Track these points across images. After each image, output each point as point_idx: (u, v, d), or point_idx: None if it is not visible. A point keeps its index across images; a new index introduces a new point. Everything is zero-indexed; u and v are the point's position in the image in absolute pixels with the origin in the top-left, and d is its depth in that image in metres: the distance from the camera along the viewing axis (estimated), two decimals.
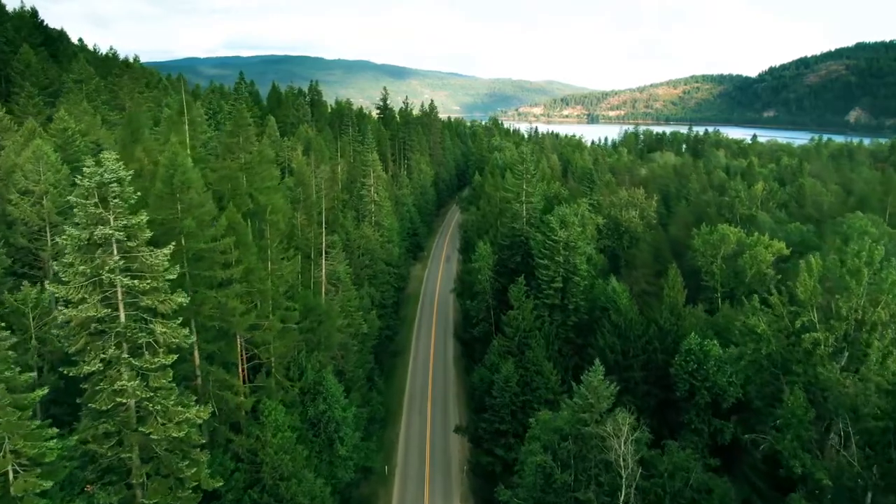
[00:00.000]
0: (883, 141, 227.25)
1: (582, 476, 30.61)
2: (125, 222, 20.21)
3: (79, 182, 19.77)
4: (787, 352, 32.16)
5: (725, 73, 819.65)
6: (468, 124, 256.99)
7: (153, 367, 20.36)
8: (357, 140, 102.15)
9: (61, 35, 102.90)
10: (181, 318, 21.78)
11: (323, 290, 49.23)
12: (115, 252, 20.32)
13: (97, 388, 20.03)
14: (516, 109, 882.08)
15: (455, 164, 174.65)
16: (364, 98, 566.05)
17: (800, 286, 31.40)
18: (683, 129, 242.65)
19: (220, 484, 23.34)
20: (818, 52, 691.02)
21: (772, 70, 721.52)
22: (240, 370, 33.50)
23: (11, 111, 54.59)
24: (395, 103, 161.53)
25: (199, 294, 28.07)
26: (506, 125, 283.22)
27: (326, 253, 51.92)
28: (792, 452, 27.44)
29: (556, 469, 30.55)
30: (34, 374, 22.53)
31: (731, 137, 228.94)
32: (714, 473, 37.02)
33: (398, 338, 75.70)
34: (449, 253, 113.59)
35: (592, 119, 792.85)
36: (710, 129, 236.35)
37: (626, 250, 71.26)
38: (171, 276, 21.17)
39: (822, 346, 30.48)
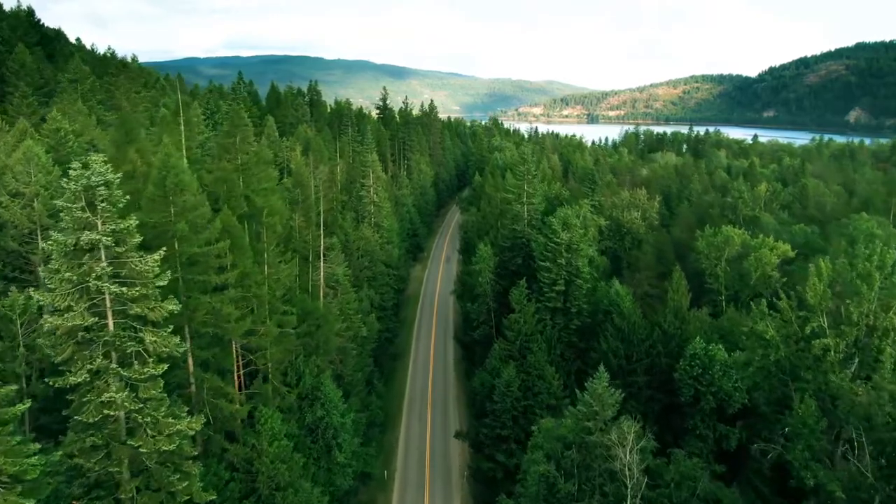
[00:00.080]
0: (884, 141, 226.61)
1: (586, 486, 29.85)
2: (113, 227, 19.42)
3: (65, 185, 18.99)
4: (795, 358, 31.37)
5: (725, 73, 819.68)
6: (468, 124, 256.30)
7: (142, 377, 19.57)
8: (356, 140, 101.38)
9: (58, 35, 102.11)
10: (172, 326, 20.96)
11: (321, 293, 48.45)
12: (103, 258, 19.53)
13: (84, 399, 19.24)
14: (516, 109, 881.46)
15: (455, 164, 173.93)
16: (364, 98, 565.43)
17: (809, 291, 30.62)
18: (683, 129, 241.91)
19: (214, 497, 22.57)
20: (818, 52, 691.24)
21: (772, 70, 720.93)
22: (235, 377, 32.70)
23: (5, 111, 53.85)
24: (395, 103, 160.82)
25: (192, 299, 27.30)
26: (506, 125, 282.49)
27: (325, 255, 51.12)
28: (803, 463, 26.67)
29: (559, 479, 29.79)
30: (19, 384, 21.82)
31: (731, 137, 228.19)
32: (720, 481, 36.37)
33: (398, 340, 74.98)
34: (449, 254, 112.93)
35: (592, 119, 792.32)
36: (711, 129, 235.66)
37: (628, 252, 70.47)
38: (162, 283, 20.39)
39: (833, 353, 29.71)
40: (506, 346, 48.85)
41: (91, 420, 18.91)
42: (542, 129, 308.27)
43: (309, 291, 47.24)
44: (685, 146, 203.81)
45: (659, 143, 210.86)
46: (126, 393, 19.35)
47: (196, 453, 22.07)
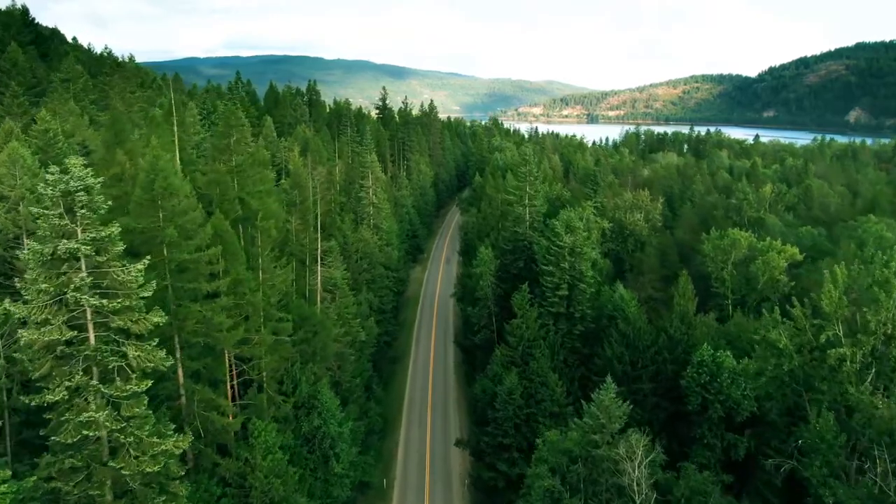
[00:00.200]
0: (885, 141, 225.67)
1: (592, 501, 28.70)
2: (94, 235, 18.25)
3: (41, 190, 17.83)
4: (810, 368, 30.21)
5: (725, 73, 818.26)
6: (468, 124, 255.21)
7: (125, 394, 18.40)
8: (355, 141, 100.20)
9: (54, 34, 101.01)
10: (158, 339, 19.79)
11: (318, 297, 47.27)
12: (83, 268, 18.36)
13: (62, 418, 18.07)
14: (516, 109, 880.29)
15: (455, 164, 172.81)
16: (364, 98, 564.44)
17: (824, 298, 29.45)
18: (684, 130, 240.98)
19: None
20: (818, 52, 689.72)
21: (772, 70, 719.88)
22: (228, 387, 31.53)
23: None
24: (395, 103, 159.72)
25: (182, 308, 26.14)
26: (505, 125, 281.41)
27: (322, 258, 49.94)
28: (821, 480, 25.52)
29: (564, 494, 28.63)
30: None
31: (732, 137, 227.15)
32: (729, 491, 35.26)
33: (397, 343, 73.93)
34: (449, 255, 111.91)
35: (592, 119, 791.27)
36: (711, 129, 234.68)
37: (631, 254, 69.31)
38: (146, 294, 19.22)
39: (849, 363, 28.56)
40: (508, 352, 47.67)
41: (69, 441, 17.75)
42: (542, 129, 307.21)
43: (306, 296, 46.08)
44: (686, 146, 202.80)
45: (660, 143, 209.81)
46: (107, 411, 18.18)
47: (183, 473, 20.90)
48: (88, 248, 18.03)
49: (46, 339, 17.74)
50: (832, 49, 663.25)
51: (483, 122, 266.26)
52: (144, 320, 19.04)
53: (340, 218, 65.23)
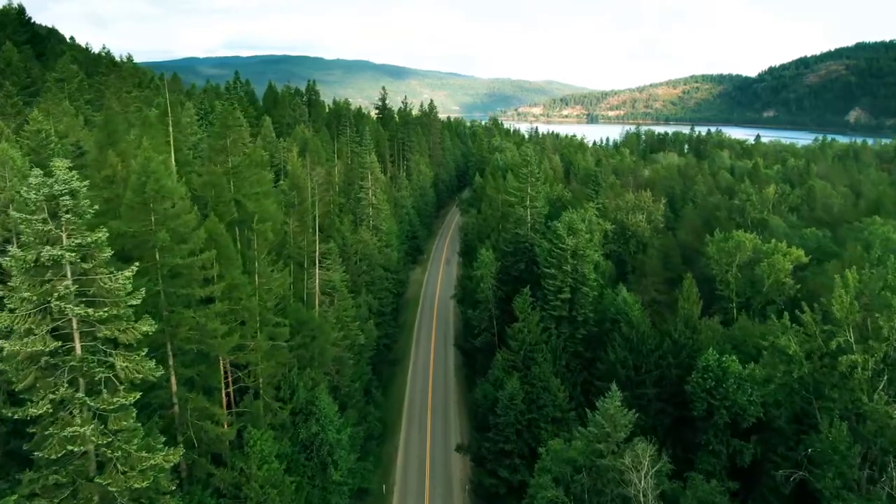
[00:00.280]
0: (886, 141, 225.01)
1: None
2: (80, 241, 17.46)
3: (24, 195, 17.05)
4: (820, 375, 29.42)
5: (725, 73, 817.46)
6: (468, 124, 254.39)
7: (112, 407, 17.62)
8: (355, 141, 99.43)
9: (51, 33, 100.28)
10: (147, 348, 19.01)
11: (316, 301, 46.48)
12: (68, 275, 17.58)
13: (46, 433, 17.29)
14: (516, 109, 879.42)
15: (455, 164, 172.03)
16: (363, 98, 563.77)
17: (835, 303, 28.66)
18: (684, 130, 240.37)
19: None
20: (818, 52, 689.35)
21: (772, 70, 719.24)
22: (223, 394, 30.73)
23: None
24: (395, 103, 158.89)
25: (175, 314, 25.35)
26: (505, 125, 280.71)
27: (321, 261, 49.16)
28: (834, 493, 24.75)
29: None
30: None
31: (733, 138, 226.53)
32: (735, 501, 34.46)
33: (397, 345, 73.18)
34: (449, 256, 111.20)
35: (592, 119, 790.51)
36: (712, 129, 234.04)
37: (633, 255, 68.56)
38: (135, 302, 18.43)
39: (860, 370, 27.78)
40: (509, 357, 46.90)
41: (53, 456, 16.96)
42: (542, 129, 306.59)
43: (304, 300, 45.29)
44: (687, 146, 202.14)
45: (660, 143, 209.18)
46: (93, 425, 17.39)
47: (174, 487, 20.12)
48: (73, 254, 17.25)
49: (30, 349, 16.96)
50: (832, 49, 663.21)
51: (483, 122, 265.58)
52: (133, 329, 18.26)
53: (339, 219, 64.46)
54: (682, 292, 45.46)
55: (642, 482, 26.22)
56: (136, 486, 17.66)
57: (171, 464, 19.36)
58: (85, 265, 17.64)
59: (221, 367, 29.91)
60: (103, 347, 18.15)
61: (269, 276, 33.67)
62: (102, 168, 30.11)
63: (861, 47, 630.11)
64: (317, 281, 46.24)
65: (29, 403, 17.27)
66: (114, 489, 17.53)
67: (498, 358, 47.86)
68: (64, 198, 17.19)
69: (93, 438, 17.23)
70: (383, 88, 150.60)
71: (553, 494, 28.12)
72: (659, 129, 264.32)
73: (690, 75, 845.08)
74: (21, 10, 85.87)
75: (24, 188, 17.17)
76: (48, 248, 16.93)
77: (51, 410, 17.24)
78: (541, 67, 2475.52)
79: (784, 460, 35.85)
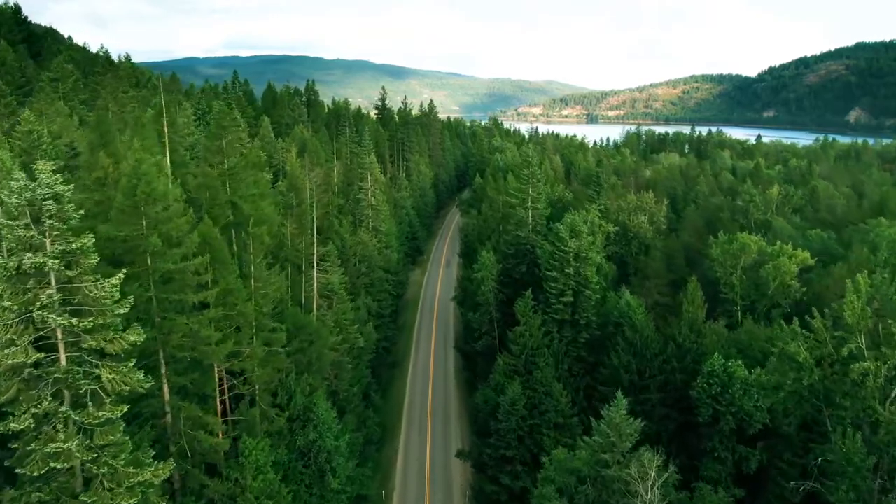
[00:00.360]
0: (887, 141, 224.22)
1: None
2: (64, 247, 16.68)
3: (5, 199, 16.26)
4: (831, 382, 28.65)
5: (725, 73, 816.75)
6: (468, 124, 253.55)
7: (98, 421, 16.84)
8: (354, 141, 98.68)
9: (48, 33, 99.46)
10: (135, 359, 18.22)
11: (315, 304, 45.68)
12: (52, 283, 16.80)
13: (29, 448, 16.51)
14: (515, 109, 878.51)
15: (455, 164, 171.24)
16: (363, 98, 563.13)
17: (847, 309, 27.88)
18: (684, 129, 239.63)
19: None
20: (818, 52, 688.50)
21: (771, 70, 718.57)
22: (218, 402, 29.94)
23: None
24: (394, 103, 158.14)
25: (167, 321, 24.56)
26: (505, 125, 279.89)
27: (319, 264, 48.34)
28: None
29: None
30: None
31: (733, 138, 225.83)
32: None
33: (396, 347, 72.43)
34: (449, 257, 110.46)
35: (592, 119, 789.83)
36: (712, 129, 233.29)
37: (635, 257, 67.81)
38: (123, 311, 17.65)
39: (873, 378, 27.02)
40: (510, 361, 46.10)
41: (36, 473, 16.18)
42: (542, 129, 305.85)
43: (301, 303, 44.49)
44: (687, 147, 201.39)
45: (661, 143, 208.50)
46: (78, 440, 16.61)
47: None
48: (57, 261, 16.46)
49: (12, 361, 16.18)
50: (832, 49, 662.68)
51: (483, 122, 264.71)
52: (120, 339, 17.47)
53: (338, 221, 63.66)
54: (687, 295, 44.69)
55: (648, 493, 25.47)
56: (124, 503, 16.88)
57: (161, 479, 18.58)
58: (70, 272, 16.86)
59: (216, 375, 29.13)
60: (89, 358, 17.37)
61: (266, 279, 32.89)
62: (94, 169, 29.32)
63: (861, 47, 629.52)
64: (315, 284, 45.43)
65: (11, 417, 16.49)
66: None
67: (499, 362, 47.08)
68: (47, 202, 16.41)
69: (77, 454, 16.45)
70: (383, 88, 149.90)
71: None
72: (659, 129, 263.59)
73: (690, 75, 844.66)
74: (17, 10, 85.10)
75: (6, 192, 16.39)
76: (30, 254, 16.15)
77: (34, 425, 16.45)
78: (541, 67, 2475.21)
79: (791, 467, 35.12)
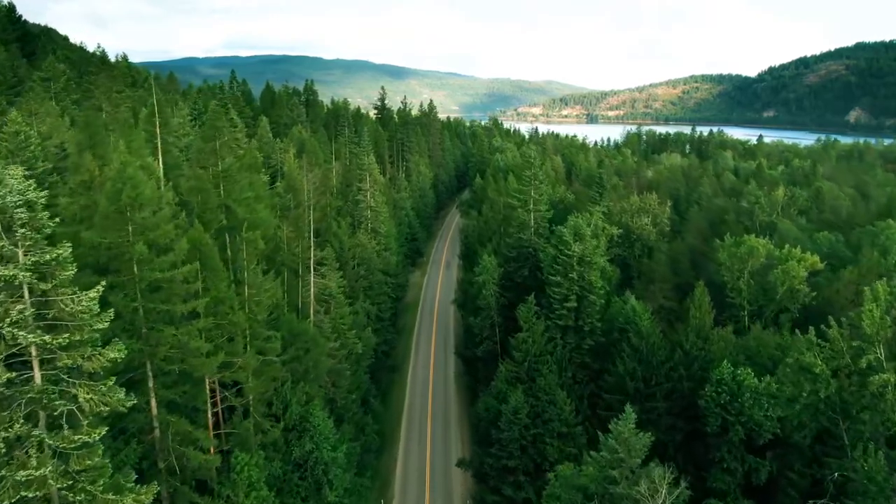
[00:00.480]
0: (888, 141, 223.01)
1: None
2: (37, 258, 15.52)
3: None
4: (848, 394, 27.51)
5: (725, 73, 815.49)
6: (467, 124, 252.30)
7: (74, 445, 15.68)
8: (353, 142, 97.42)
9: (45, 32, 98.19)
10: (115, 377, 17.05)
11: (311, 310, 44.49)
12: (26, 296, 15.63)
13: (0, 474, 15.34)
14: (515, 109, 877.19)
15: (455, 165, 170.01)
16: (363, 98, 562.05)
17: (865, 318, 26.74)
18: (684, 129, 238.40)
19: None
20: (818, 52, 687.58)
21: (771, 70, 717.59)
22: (209, 415, 28.77)
23: None
24: (394, 103, 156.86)
25: (154, 332, 23.39)
26: (505, 125, 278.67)
27: (317, 268, 47.15)
28: None
29: None
30: None
31: (734, 138, 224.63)
32: None
33: (395, 351, 71.24)
34: (449, 258, 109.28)
35: (592, 119, 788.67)
36: (714, 129, 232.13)
37: (638, 260, 66.62)
38: (102, 325, 16.49)
39: (892, 390, 25.88)
40: (513, 368, 44.95)
41: (7, 502, 15.02)
42: (542, 129, 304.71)
43: (298, 309, 43.30)
44: (689, 147, 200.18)
45: (662, 143, 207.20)
46: (53, 464, 15.45)
47: None
48: (30, 274, 15.30)
49: None
50: (832, 49, 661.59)
51: (483, 122, 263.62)
52: (99, 356, 16.30)
53: (337, 223, 62.46)
54: (694, 301, 43.54)
55: None
56: None
57: None
58: (44, 285, 15.69)
59: (207, 387, 27.95)
60: (65, 377, 16.20)
61: (260, 286, 31.69)
62: (80, 172, 28.15)
63: (861, 47, 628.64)
64: (312, 289, 44.24)
65: None
66: None
67: (501, 369, 45.92)
68: (19, 210, 15.24)
69: (52, 481, 15.28)
70: (382, 88, 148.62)
71: None
72: (659, 130, 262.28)
73: (690, 75, 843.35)
74: (11, 8, 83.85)
75: None
76: (1, 266, 14.98)
77: (4, 449, 15.28)
78: (540, 67, 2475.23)
79: (802, 478, 34.01)
